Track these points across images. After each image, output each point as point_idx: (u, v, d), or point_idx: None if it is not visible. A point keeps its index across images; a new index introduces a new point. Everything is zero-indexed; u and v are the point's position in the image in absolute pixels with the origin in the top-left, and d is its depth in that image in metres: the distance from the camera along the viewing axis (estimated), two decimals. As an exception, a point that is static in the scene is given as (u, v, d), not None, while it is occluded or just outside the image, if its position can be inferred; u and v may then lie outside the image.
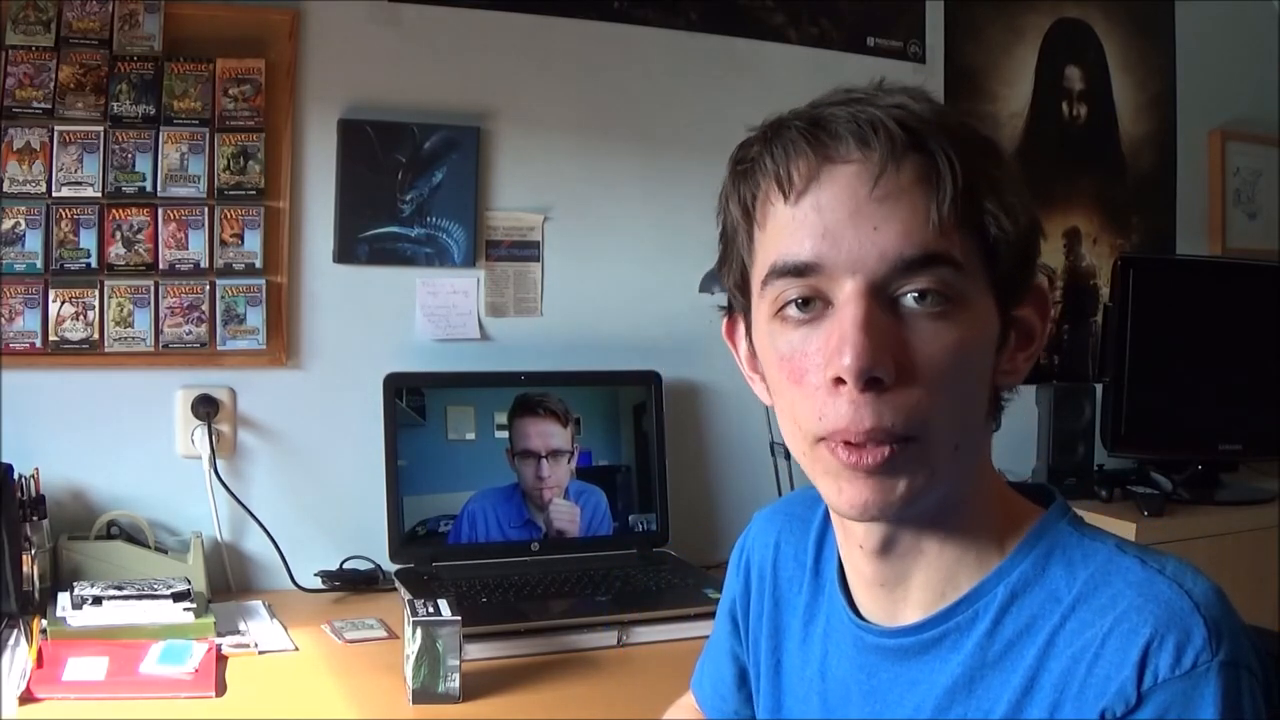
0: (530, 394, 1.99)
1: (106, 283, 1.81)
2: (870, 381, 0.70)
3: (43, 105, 1.76)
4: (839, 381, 0.70)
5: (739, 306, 0.82)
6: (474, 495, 1.93)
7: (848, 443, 0.71)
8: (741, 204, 0.77)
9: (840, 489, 0.73)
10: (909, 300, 0.71)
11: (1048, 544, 0.76)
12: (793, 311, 0.74)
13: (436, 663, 1.42)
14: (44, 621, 1.55)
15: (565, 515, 1.97)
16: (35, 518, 1.64)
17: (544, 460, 1.97)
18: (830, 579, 0.88)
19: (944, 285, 0.71)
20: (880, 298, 0.71)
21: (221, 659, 1.53)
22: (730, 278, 0.81)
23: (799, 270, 0.72)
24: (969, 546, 0.78)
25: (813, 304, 0.73)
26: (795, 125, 0.74)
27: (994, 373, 0.76)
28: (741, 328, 0.83)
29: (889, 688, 0.80)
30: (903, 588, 0.80)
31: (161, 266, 1.84)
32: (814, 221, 0.72)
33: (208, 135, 1.85)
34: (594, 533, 2.00)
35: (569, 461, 1.99)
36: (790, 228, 0.73)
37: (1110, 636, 0.70)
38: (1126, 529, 2.05)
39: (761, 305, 0.76)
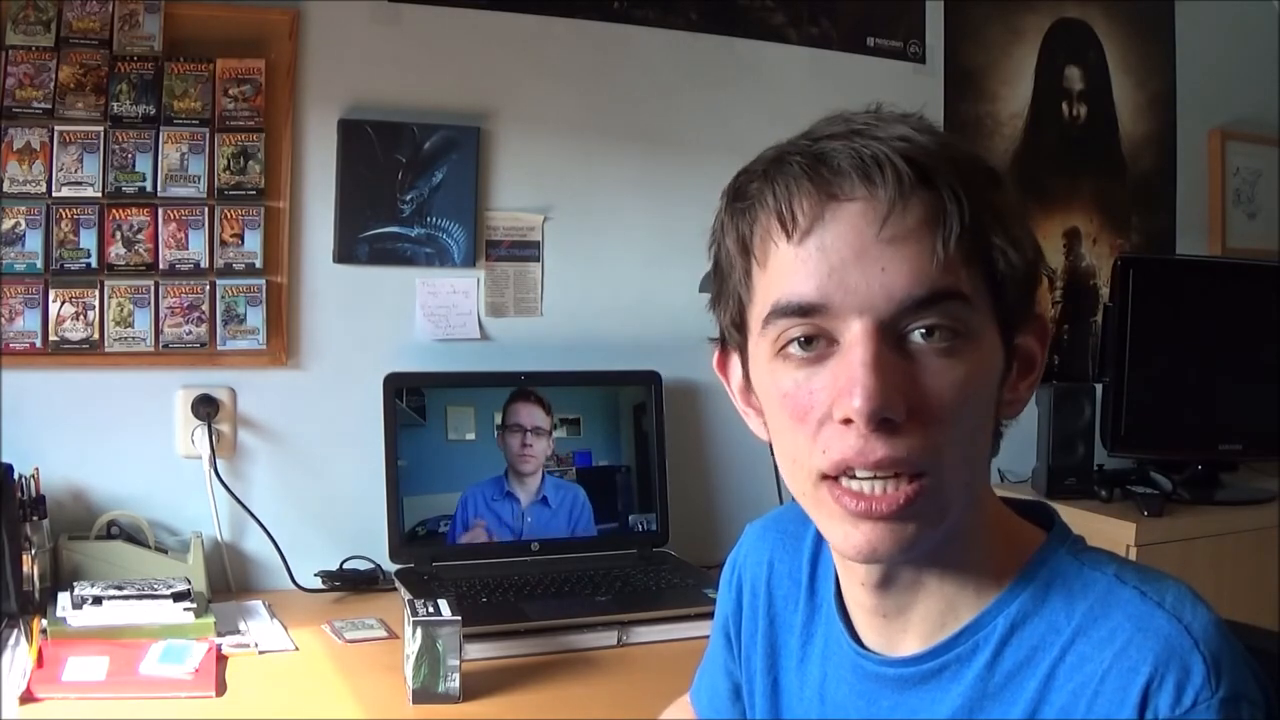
0: (524, 387, 2.00)
1: (106, 283, 1.81)
2: (882, 423, 0.69)
3: (43, 105, 1.76)
4: (848, 421, 0.70)
5: (734, 342, 0.80)
6: (465, 493, 1.95)
7: (855, 492, 0.70)
8: (740, 241, 0.75)
9: (846, 534, 0.72)
10: (917, 337, 0.70)
11: (1047, 574, 0.76)
12: (796, 350, 0.72)
13: (436, 663, 1.42)
14: (44, 621, 1.55)
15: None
16: (35, 518, 1.64)
17: (528, 433, 1.99)
18: (827, 599, 0.87)
19: (952, 321, 0.70)
20: (888, 336, 0.70)
21: (221, 659, 1.54)
22: (726, 314, 0.79)
23: (804, 310, 0.71)
24: (969, 578, 0.77)
25: (816, 342, 0.72)
26: (797, 161, 0.72)
27: (997, 405, 0.75)
28: (735, 361, 0.82)
29: (889, 716, 0.80)
30: (902, 619, 0.79)
31: (161, 266, 1.84)
32: (819, 261, 0.71)
33: (208, 135, 1.85)
34: (576, 523, 2.00)
35: (548, 442, 2.00)
36: (793, 267, 0.72)
37: (1110, 674, 0.69)
38: (1126, 529, 2.05)
39: (762, 343, 0.75)
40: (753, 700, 0.95)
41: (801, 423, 0.72)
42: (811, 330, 0.72)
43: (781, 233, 0.72)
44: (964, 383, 0.70)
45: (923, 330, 0.70)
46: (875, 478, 0.70)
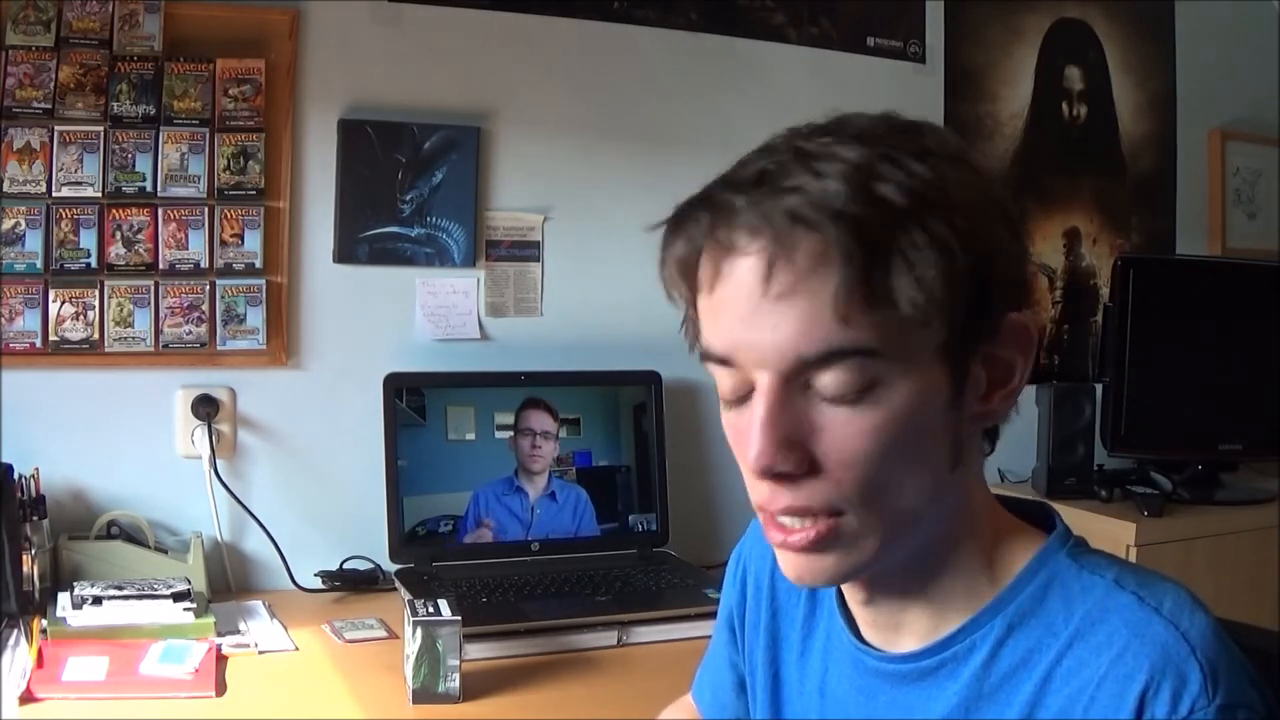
0: (535, 394, 2.01)
1: (106, 283, 1.81)
2: (779, 475, 0.71)
3: (43, 105, 1.76)
4: None
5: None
6: (479, 489, 1.97)
7: (776, 525, 0.73)
8: (674, 286, 0.76)
9: (780, 561, 0.76)
10: (823, 386, 0.69)
11: (1046, 575, 0.75)
12: (725, 393, 0.74)
13: (436, 663, 1.42)
14: (44, 621, 1.55)
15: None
16: (35, 518, 1.64)
17: (537, 435, 2.00)
18: (828, 594, 0.88)
19: (852, 376, 0.69)
20: (793, 385, 0.70)
21: (221, 659, 1.54)
22: (689, 338, 0.80)
23: (721, 360, 0.73)
24: (957, 586, 0.77)
25: (741, 386, 0.73)
26: (698, 217, 0.72)
27: (956, 423, 0.73)
28: None
29: (886, 712, 0.80)
30: (896, 622, 0.80)
31: (161, 266, 1.84)
32: (723, 315, 0.71)
33: (208, 135, 1.85)
34: (579, 525, 2.00)
35: (554, 445, 2.02)
36: (708, 318, 0.73)
37: (1106, 680, 0.69)
38: (1126, 529, 2.05)
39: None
40: (754, 693, 0.95)
41: (741, 460, 0.74)
42: (734, 380, 0.73)
43: (695, 284, 0.73)
44: (877, 430, 0.70)
45: (826, 382, 0.69)
46: (790, 514, 0.73)
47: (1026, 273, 0.76)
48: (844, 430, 0.70)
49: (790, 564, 0.75)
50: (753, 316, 0.69)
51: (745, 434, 0.71)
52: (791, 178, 0.68)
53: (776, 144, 0.72)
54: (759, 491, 0.73)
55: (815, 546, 0.72)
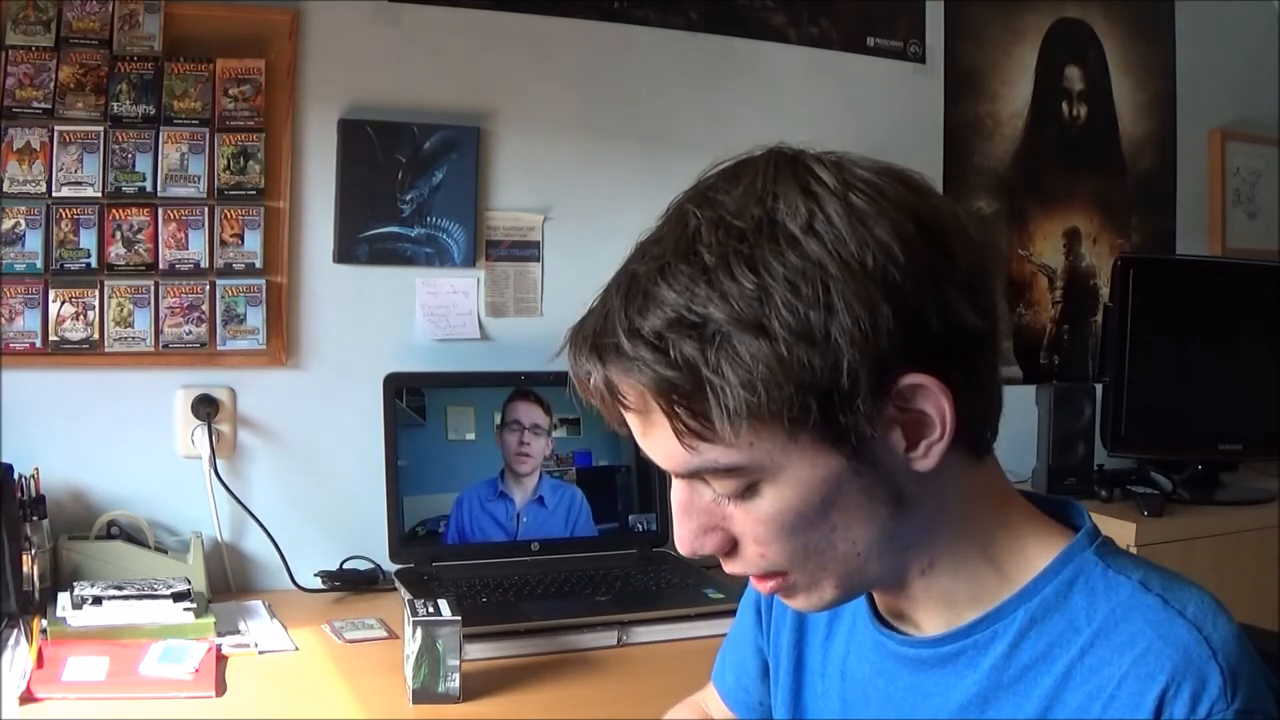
0: (524, 387, 2.00)
1: (106, 283, 1.81)
2: (708, 554, 0.76)
3: (43, 105, 1.76)
4: None
5: None
6: (462, 494, 1.94)
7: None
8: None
9: None
10: (713, 487, 0.74)
11: (1072, 572, 0.75)
12: None
13: (436, 663, 1.42)
14: (44, 621, 1.55)
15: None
16: (35, 518, 1.64)
17: (526, 430, 1.99)
18: None
19: (729, 485, 0.73)
20: (695, 482, 0.75)
21: (221, 659, 1.54)
22: None
23: None
24: (958, 583, 0.78)
25: None
26: (570, 355, 0.76)
27: (881, 477, 0.72)
28: None
29: (905, 696, 0.81)
30: (912, 610, 0.81)
31: (161, 266, 1.84)
32: None
33: (208, 135, 1.85)
34: (574, 526, 2.00)
35: (546, 442, 2.00)
36: None
37: (1127, 679, 0.70)
38: (1126, 529, 2.05)
39: None
40: (777, 675, 0.96)
41: None
42: None
43: None
44: (774, 518, 0.73)
45: (714, 487, 0.74)
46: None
47: (950, 306, 0.70)
48: (745, 520, 0.74)
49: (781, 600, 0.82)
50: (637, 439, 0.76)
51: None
52: (613, 333, 0.71)
53: (625, 262, 0.76)
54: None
55: (781, 593, 0.78)
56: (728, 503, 0.74)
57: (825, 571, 0.75)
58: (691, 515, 0.75)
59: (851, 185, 0.70)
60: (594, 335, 0.73)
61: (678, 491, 0.76)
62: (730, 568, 0.77)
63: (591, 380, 0.73)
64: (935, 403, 0.71)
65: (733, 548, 0.75)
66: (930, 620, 0.80)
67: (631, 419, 0.74)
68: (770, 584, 0.76)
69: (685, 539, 0.76)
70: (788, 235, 0.68)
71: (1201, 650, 0.69)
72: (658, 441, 0.73)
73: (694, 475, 0.74)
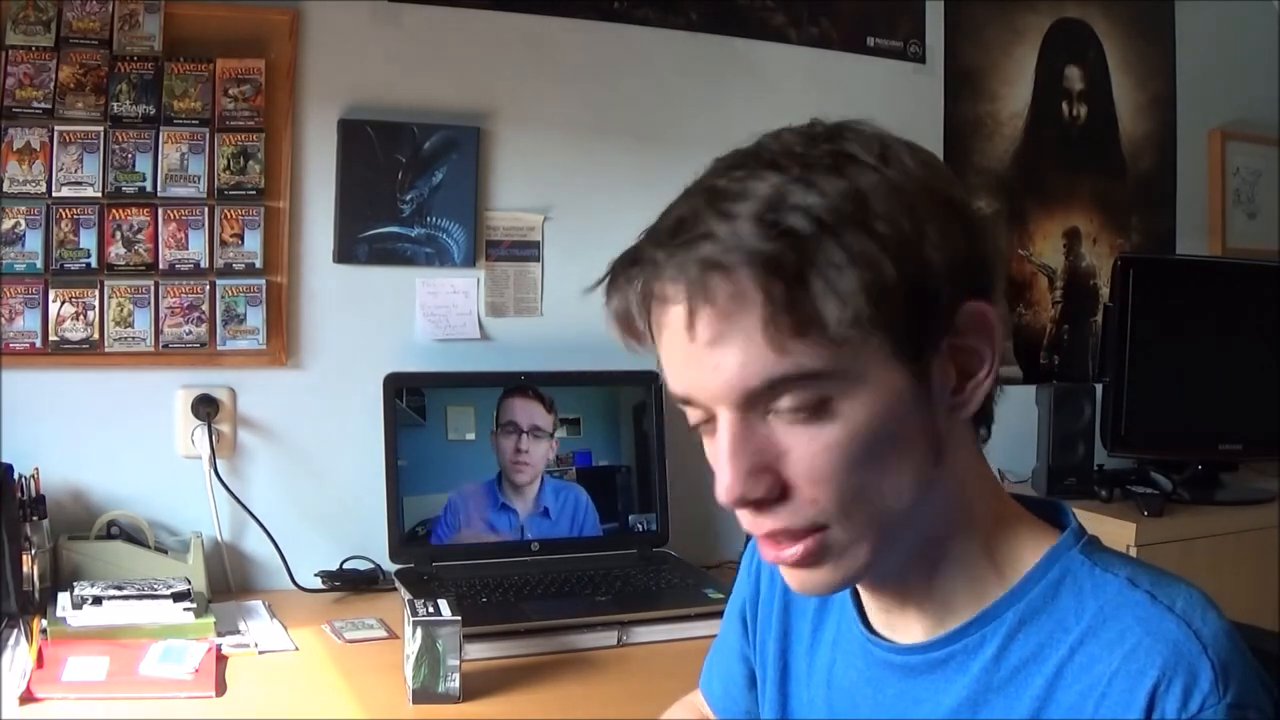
0: (521, 384, 1.99)
1: (106, 283, 1.81)
2: (753, 503, 0.72)
3: (43, 105, 1.76)
4: None
5: None
6: (452, 494, 1.93)
7: (765, 539, 0.74)
8: (622, 340, 0.77)
9: (781, 573, 0.78)
10: (780, 409, 0.71)
11: (1059, 572, 0.76)
12: (696, 425, 0.76)
13: (436, 663, 1.42)
14: (44, 621, 1.55)
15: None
16: (35, 518, 1.64)
17: (524, 434, 1.97)
18: None
19: (804, 398, 0.70)
20: (752, 414, 0.71)
21: (221, 659, 1.53)
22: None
23: (682, 400, 0.75)
24: (960, 577, 0.77)
25: (708, 420, 0.74)
26: (631, 274, 0.73)
27: (931, 418, 0.73)
28: None
29: (895, 703, 0.80)
30: (903, 615, 0.81)
31: (161, 266, 1.84)
32: (670, 363, 0.74)
33: (208, 135, 1.85)
34: (579, 527, 1.99)
35: (549, 446, 1.98)
36: (663, 362, 0.75)
37: (1118, 675, 0.70)
38: (1126, 529, 2.05)
39: None
40: (763, 685, 0.96)
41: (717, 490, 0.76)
42: (698, 414, 0.75)
43: (640, 335, 0.75)
44: (842, 442, 0.70)
45: (781, 407, 0.71)
46: (774, 537, 0.73)
47: (989, 252, 0.75)
48: (808, 449, 0.71)
49: (790, 578, 0.77)
50: (695, 361, 0.71)
51: (715, 465, 0.73)
52: (703, 224, 0.69)
53: (695, 185, 0.74)
54: (742, 518, 0.74)
55: (807, 561, 0.73)
56: (793, 430, 0.70)
57: (867, 528, 0.72)
58: (743, 454, 0.71)
59: (901, 141, 0.75)
60: (674, 234, 0.70)
61: (727, 429, 0.71)
62: (767, 523, 0.72)
63: (659, 288, 0.71)
64: (989, 335, 0.73)
65: (780, 495, 0.71)
66: (920, 626, 0.80)
67: (707, 327, 0.69)
68: (802, 546, 0.72)
69: (734, 482, 0.71)
70: (864, 163, 0.71)
71: (1191, 645, 0.69)
72: (735, 350, 0.69)
73: (767, 391, 0.69)
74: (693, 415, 0.75)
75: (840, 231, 0.68)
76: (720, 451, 0.72)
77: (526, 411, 1.98)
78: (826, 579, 0.75)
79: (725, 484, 0.71)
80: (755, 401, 0.70)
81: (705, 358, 0.70)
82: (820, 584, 0.75)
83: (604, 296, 0.76)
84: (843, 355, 0.69)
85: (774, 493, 0.71)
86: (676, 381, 0.74)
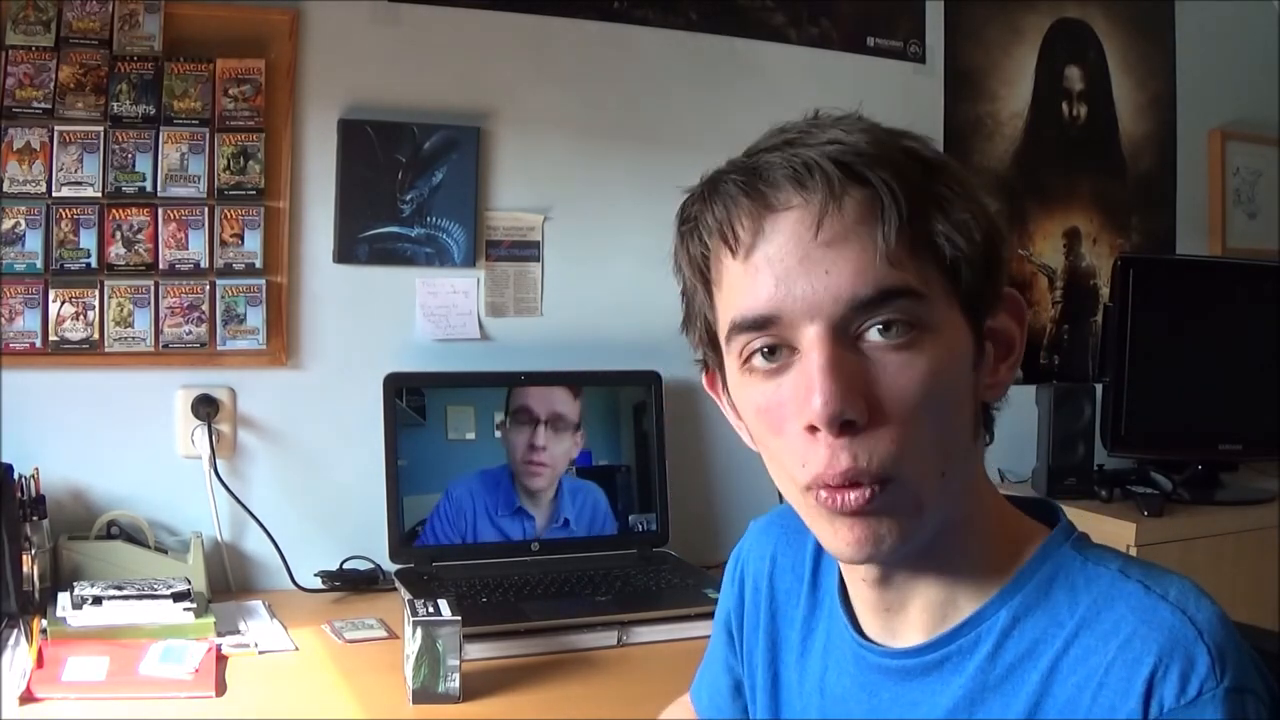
0: (521, 384, 1.97)
1: (106, 283, 1.81)
2: (845, 425, 0.69)
3: (43, 105, 1.76)
4: (814, 428, 0.70)
5: (712, 362, 0.82)
6: (454, 481, 1.91)
7: (829, 485, 0.71)
8: (694, 264, 0.78)
9: (835, 532, 0.73)
10: (873, 334, 0.71)
11: (1051, 568, 0.76)
12: (760, 362, 0.74)
13: (436, 663, 1.42)
14: (44, 621, 1.55)
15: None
16: (35, 518, 1.64)
17: (542, 427, 1.93)
18: (830, 593, 0.88)
19: (906, 316, 0.70)
20: (844, 338, 0.71)
21: (221, 659, 1.53)
22: (695, 335, 0.82)
23: (759, 324, 0.72)
24: (967, 571, 0.77)
25: (779, 352, 0.73)
26: (732, 179, 0.73)
27: (975, 389, 0.76)
28: (719, 380, 0.83)
29: (890, 707, 0.80)
30: (903, 613, 0.80)
31: (161, 266, 1.84)
32: (765, 273, 0.72)
33: (208, 135, 1.85)
34: (597, 531, 1.99)
35: (573, 442, 1.95)
36: (744, 282, 0.73)
37: (1114, 665, 0.70)
38: (1126, 529, 2.05)
39: (730, 359, 0.77)
40: (754, 696, 0.95)
41: (779, 435, 0.73)
42: (771, 341, 0.73)
43: (727, 250, 0.74)
44: (926, 376, 0.71)
45: (878, 327, 0.70)
46: (845, 486, 0.71)
47: (1009, 256, 0.79)
48: (898, 376, 0.70)
49: (849, 533, 0.72)
50: (804, 265, 0.71)
51: (795, 396, 0.71)
52: (824, 135, 0.72)
53: (773, 131, 0.75)
54: (814, 458, 0.71)
55: (870, 507, 0.71)
56: (884, 356, 0.70)
57: (924, 482, 0.71)
58: (840, 374, 0.69)
59: None
60: (791, 144, 0.73)
61: (822, 347, 0.70)
62: (844, 458, 0.70)
63: (784, 196, 0.71)
64: (1020, 320, 0.78)
65: (866, 423, 0.70)
66: (914, 629, 0.79)
67: (830, 228, 0.70)
68: (870, 490, 0.70)
69: (835, 396, 0.68)
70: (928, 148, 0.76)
71: (1187, 631, 0.69)
72: (852, 255, 0.70)
73: (872, 304, 0.69)
74: (758, 342, 0.73)
75: (950, 169, 0.74)
76: (814, 369, 0.70)
77: (545, 398, 1.94)
78: (885, 534, 0.72)
79: (824, 399, 0.69)
80: (852, 319, 0.70)
81: (819, 261, 0.70)
82: (879, 539, 0.72)
83: (689, 211, 0.77)
84: (938, 286, 0.72)
85: (864, 416, 0.70)
86: (765, 298, 0.72)
